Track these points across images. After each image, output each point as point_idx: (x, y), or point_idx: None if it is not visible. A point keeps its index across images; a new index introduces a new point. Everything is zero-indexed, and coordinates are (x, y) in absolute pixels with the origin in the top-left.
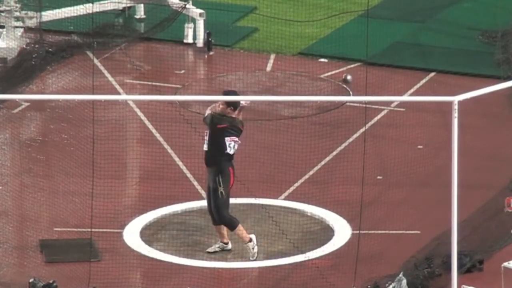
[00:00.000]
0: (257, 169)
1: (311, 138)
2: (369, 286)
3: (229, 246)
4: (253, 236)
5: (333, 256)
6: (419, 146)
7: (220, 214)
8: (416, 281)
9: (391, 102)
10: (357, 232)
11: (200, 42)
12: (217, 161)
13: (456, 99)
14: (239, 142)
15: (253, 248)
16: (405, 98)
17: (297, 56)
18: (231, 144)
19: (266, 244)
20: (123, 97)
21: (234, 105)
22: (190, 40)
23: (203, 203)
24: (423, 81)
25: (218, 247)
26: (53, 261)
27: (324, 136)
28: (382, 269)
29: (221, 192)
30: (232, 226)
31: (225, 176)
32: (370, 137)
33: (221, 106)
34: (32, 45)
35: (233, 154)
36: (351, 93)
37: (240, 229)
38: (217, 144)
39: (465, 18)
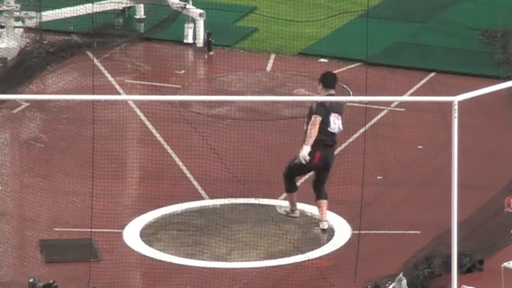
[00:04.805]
0: (257, 169)
1: None
2: (369, 286)
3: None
4: (296, 212)
5: (333, 256)
6: (419, 146)
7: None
8: (416, 281)
9: (391, 102)
10: (357, 232)
11: (200, 42)
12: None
13: (456, 99)
14: None
15: (287, 211)
16: (405, 98)
17: (297, 56)
18: None
19: (266, 244)
20: (123, 97)
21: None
22: (190, 40)
23: (203, 203)
24: (423, 81)
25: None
26: (53, 261)
27: None
28: (382, 269)
29: None
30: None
31: None
32: (370, 137)
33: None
34: (32, 45)
35: None
36: (351, 93)
37: (292, 198)
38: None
39: (465, 18)
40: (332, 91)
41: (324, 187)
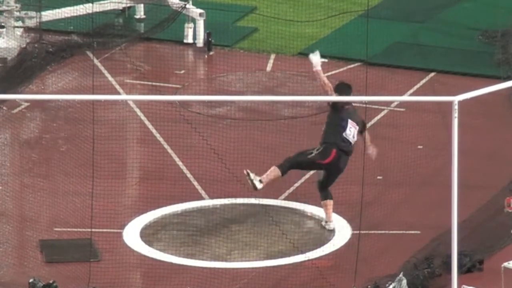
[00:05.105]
0: (257, 169)
1: (311, 138)
2: (369, 286)
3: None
4: (259, 185)
5: (333, 256)
6: (419, 146)
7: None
8: (416, 281)
9: (391, 102)
10: (357, 232)
11: (200, 42)
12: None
13: (456, 99)
14: None
15: (259, 181)
16: (405, 98)
17: (297, 56)
18: None
19: (266, 244)
20: (123, 97)
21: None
22: (190, 40)
23: (203, 203)
24: (423, 81)
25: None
26: (53, 261)
27: None
28: (382, 269)
29: None
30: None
31: None
32: (370, 137)
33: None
34: (32, 45)
35: None
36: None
37: (274, 173)
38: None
39: (465, 18)
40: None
41: (329, 189)
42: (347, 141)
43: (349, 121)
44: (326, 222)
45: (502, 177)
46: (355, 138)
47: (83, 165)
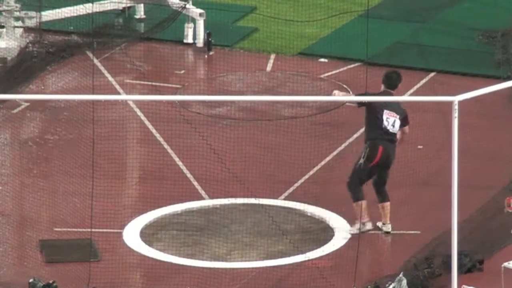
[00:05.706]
0: (257, 169)
1: (311, 138)
2: (369, 286)
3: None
4: (368, 225)
5: (333, 256)
6: (419, 146)
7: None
8: (416, 281)
9: None
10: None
11: (200, 42)
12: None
13: (456, 99)
14: None
15: (357, 229)
16: (405, 98)
17: (297, 56)
18: None
19: (266, 244)
20: (123, 97)
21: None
22: (190, 40)
23: (203, 203)
24: (423, 81)
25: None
26: (53, 261)
27: (324, 136)
28: (382, 269)
29: None
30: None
31: None
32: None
33: None
34: (32, 45)
35: None
36: (351, 93)
37: (360, 208)
38: None
39: (465, 18)
40: (390, 90)
41: (386, 188)
42: (387, 130)
43: (385, 111)
44: (383, 224)
45: (502, 177)
46: (396, 127)
47: (83, 165)
